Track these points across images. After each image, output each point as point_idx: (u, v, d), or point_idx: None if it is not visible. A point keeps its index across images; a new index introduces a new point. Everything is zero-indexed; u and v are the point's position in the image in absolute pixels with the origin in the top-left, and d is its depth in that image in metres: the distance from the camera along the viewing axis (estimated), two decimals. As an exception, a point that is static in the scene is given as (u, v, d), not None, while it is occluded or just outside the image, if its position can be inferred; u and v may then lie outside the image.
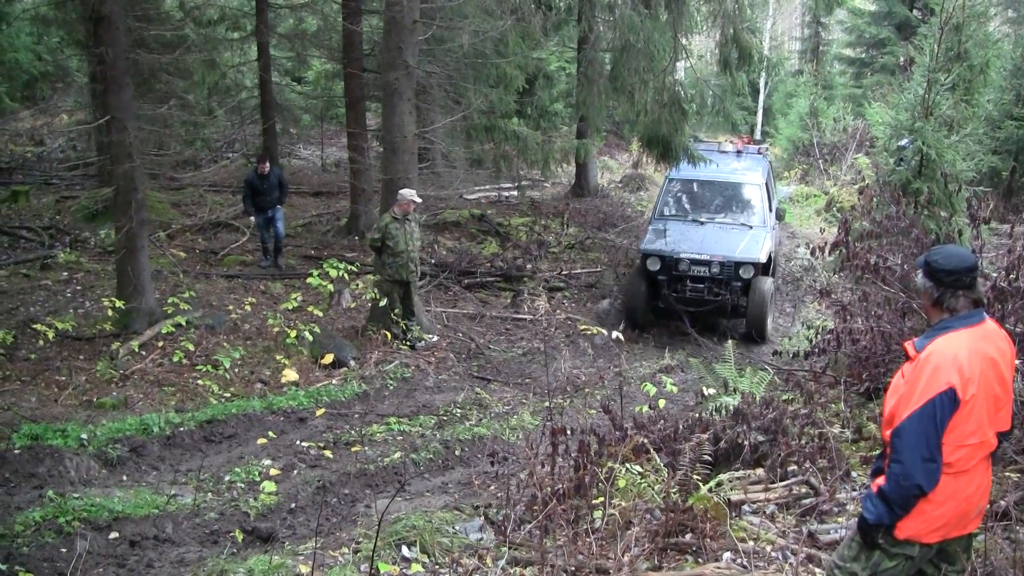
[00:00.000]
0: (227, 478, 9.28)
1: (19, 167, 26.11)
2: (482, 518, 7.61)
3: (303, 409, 11.41)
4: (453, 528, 7.34)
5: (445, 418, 11.52)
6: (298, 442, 10.32)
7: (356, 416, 11.36)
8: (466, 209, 23.09)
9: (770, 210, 16.87)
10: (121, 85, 13.46)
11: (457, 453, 10.15)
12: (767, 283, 15.48)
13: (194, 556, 7.26)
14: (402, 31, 14.56)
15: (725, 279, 15.39)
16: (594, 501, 6.77)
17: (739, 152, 18.79)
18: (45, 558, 7.01)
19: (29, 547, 7.23)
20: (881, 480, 4.39)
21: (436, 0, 15.74)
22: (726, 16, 22.88)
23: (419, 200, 13.76)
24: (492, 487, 8.73)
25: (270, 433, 9.81)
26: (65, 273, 16.82)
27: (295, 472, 9.51)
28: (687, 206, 17.42)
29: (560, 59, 30.56)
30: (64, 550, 7.16)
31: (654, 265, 15.78)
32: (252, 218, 18.37)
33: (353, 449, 10.21)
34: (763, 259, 15.44)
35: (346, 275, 14.01)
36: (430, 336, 14.61)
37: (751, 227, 16.31)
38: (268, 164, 17.94)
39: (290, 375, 12.62)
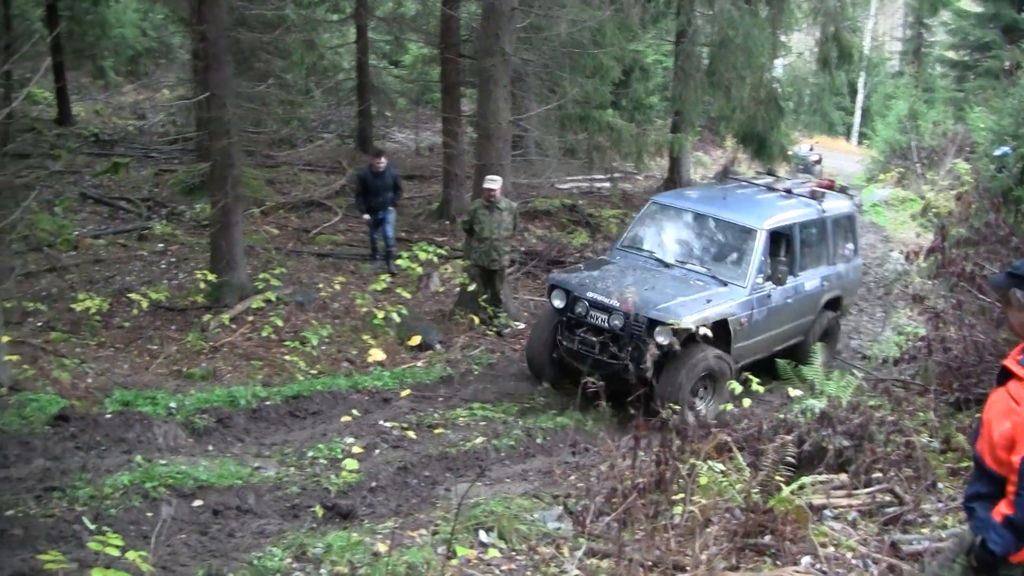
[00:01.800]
0: (310, 454, 9.38)
1: (121, 140, 26.59)
2: (561, 508, 7.61)
3: (388, 389, 11.47)
4: (531, 516, 7.35)
5: (528, 406, 11.54)
6: (381, 422, 10.39)
7: (440, 399, 11.41)
8: (557, 198, 23.03)
9: (782, 269, 12.28)
10: (222, 62, 13.63)
11: (539, 441, 10.15)
12: (699, 360, 11.10)
13: (274, 528, 7.34)
14: (500, 18, 14.56)
15: (628, 338, 11.33)
16: (674, 497, 6.74)
17: (788, 192, 13.92)
18: (131, 521, 7.15)
19: (116, 509, 7.38)
20: (1003, 508, 4.18)
21: (535, -12, 15.74)
22: (827, 14, 22.63)
23: (494, 187, 13.67)
24: (572, 477, 8.72)
25: (354, 411, 9.90)
26: (161, 245, 17.10)
27: (377, 451, 9.58)
28: (660, 240, 13.01)
29: (657, 52, 30.37)
30: (149, 514, 7.30)
31: (558, 300, 11.98)
32: (365, 216, 17.00)
33: (436, 432, 10.26)
34: (688, 325, 10.55)
35: (435, 259, 14.09)
36: (516, 323, 14.61)
37: (725, 283, 11.90)
38: (383, 161, 16.62)
39: (376, 355, 12.72)
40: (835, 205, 13.89)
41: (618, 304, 11.33)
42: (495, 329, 14.14)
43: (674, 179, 26.61)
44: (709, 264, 12.36)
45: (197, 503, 7.65)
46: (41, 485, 7.69)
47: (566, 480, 8.66)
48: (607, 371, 10.93)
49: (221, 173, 13.68)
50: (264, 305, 13.57)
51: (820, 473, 7.58)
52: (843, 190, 14.64)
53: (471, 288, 14.09)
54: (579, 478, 8.54)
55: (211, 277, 13.78)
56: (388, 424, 10.27)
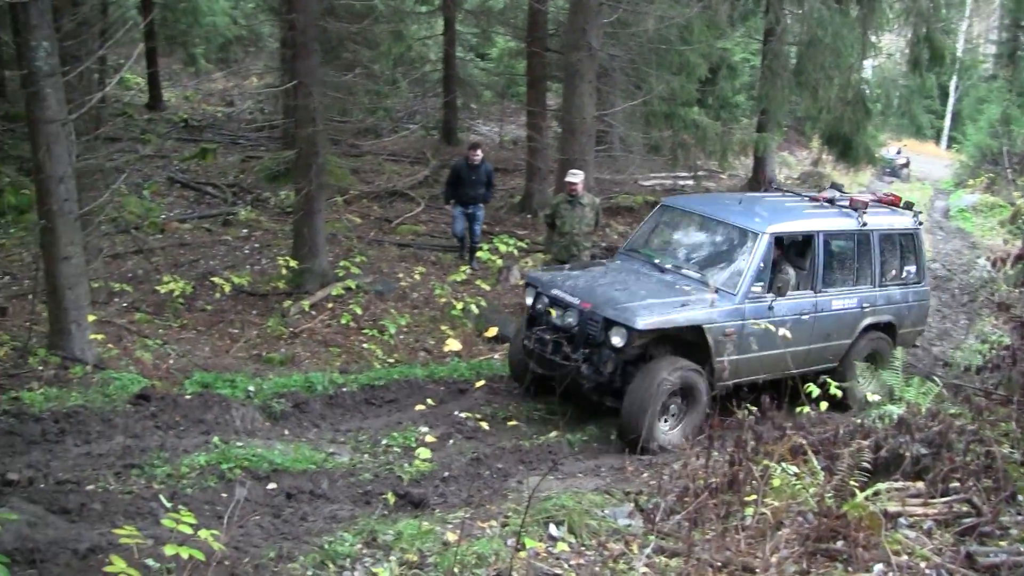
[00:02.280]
0: (384, 441, 9.44)
1: (209, 126, 27.00)
2: (632, 504, 7.57)
3: (463, 380, 11.51)
4: (602, 511, 7.32)
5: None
6: (456, 412, 10.42)
7: (515, 392, 11.43)
8: (640, 195, 22.96)
9: (783, 278, 11.01)
10: (310, 51, 13.77)
11: (612, 437, 10.13)
12: (669, 373, 9.81)
13: (346, 514, 7.39)
14: (587, 12, 14.55)
15: (584, 338, 10.21)
16: (746, 498, 6.68)
17: (831, 201, 12.44)
18: (207, 500, 7.24)
19: (192, 489, 7.49)
20: None
21: (623, -17, 15.68)
22: (919, 14, 22.27)
23: (576, 181, 13.60)
24: (645, 475, 8.68)
25: (429, 401, 9.96)
26: (245, 230, 17.32)
27: (451, 441, 9.62)
28: (661, 244, 11.99)
29: (745, 50, 30.14)
30: (224, 495, 7.39)
31: (529, 297, 11.10)
32: (451, 208, 16.70)
33: (509, 424, 10.28)
34: (642, 326, 9.68)
35: (516, 252, 14.10)
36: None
37: (716, 290, 10.58)
38: (479, 154, 16.14)
39: (453, 345, 12.78)
40: (886, 220, 12.33)
41: (577, 301, 10.31)
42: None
43: (758, 179, 26.38)
44: (704, 270, 11.00)
45: (271, 486, 7.74)
46: (121, 462, 7.83)
47: (638, 477, 8.63)
48: (557, 371, 10.26)
49: (306, 161, 13.83)
50: (344, 293, 13.71)
51: (896, 480, 7.45)
52: (908, 207, 12.72)
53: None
54: (651, 476, 8.50)
55: (293, 264, 13.94)
56: (463, 415, 10.29)
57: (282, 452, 8.50)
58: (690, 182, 25.04)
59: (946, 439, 7.74)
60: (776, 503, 6.67)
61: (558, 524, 6.89)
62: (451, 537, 6.33)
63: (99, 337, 10.76)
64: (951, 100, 40.42)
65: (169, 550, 4.36)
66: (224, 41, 33.31)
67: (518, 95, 29.57)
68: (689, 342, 10.25)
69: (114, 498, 6.99)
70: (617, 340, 9.81)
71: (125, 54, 20.13)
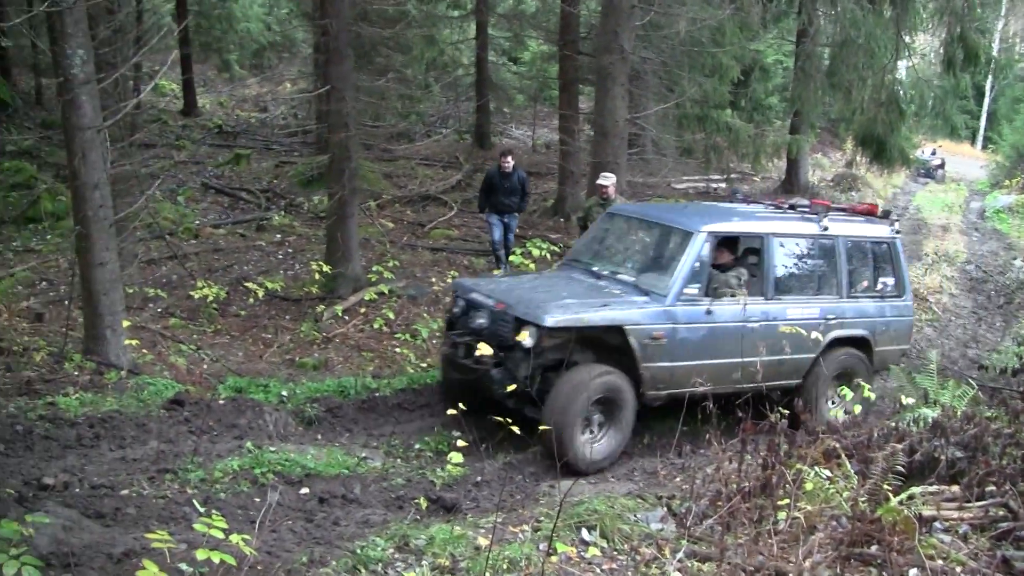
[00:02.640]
0: (416, 446, 9.47)
1: (243, 131, 27.16)
2: (664, 509, 7.54)
3: (496, 384, 11.51)
4: (634, 516, 7.30)
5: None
6: (489, 417, 10.42)
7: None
8: (673, 198, 22.89)
9: (721, 279, 10.33)
10: (343, 57, 13.83)
11: (645, 441, 10.11)
12: (589, 380, 9.08)
13: (379, 519, 7.40)
14: (619, 15, 14.54)
15: (495, 339, 9.32)
16: (779, 502, 6.65)
17: (793, 207, 11.87)
18: (239, 505, 7.27)
19: (225, 493, 7.52)
20: None
21: (654, -14, 15.66)
22: (953, 14, 22.11)
23: (608, 184, 13.56)
24: (677, 479, 8.65)
25: (461, 406, 9.96)
26: (278, 235, 17.41)
27: (483, 446, 9.63)
28: (602, 251, 11.25)
29: (777, 52, 30.02)
30: (257, 499, 7.41)
31: (457, 305, 10.41)
32: (485, 217, 16.30)
33: (541, 428, 10.28)
34: (552, 323, 8.98)
35: (549, 255, 14.09)
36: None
37: (646, 293, 9.82)
38: (511, 160, 15.57)
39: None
40: (856, 228, 11.39)
41: (491, 302, 9.71)
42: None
43: (791, 181, 26.32)
44: (646, 275, 10.23)
45: (304, 491, 7.76)
46: (155, 467, 7.87)
47: (671, 481, 8.60)
48: (469, 376, 9.68)
49: (339, 166, 13.89)
50: (377, 297, 13.75)
51: (931, 484, 7.40)
52: (886, 215, 11.79)
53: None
54: (684, 480, 8.47)
55: (326, 268, 14.01)
56: (495, 419, 10.29)
57: (315, 457, 8.53)
58: (723, 185, 24.97)
59: (982, 442, 7.68)
60: (809, 507, 6.64)
61: (590, 528, 6.87)
62: (483, 542, 6.33)
63: (134, 342, 10.82)
64: (987, 100, 40.13)
65: (201, 554, 4.38)
66: (258, 47, 33.66)
67: (550, 98, 29.64)
68: (615, 347, 9.47)
69: (148, 502, 7.03)
70: (527, 340, 8.94)
71: (160, 61, 20.34)
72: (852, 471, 7.16)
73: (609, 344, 9.49)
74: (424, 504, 7.42)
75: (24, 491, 6.80)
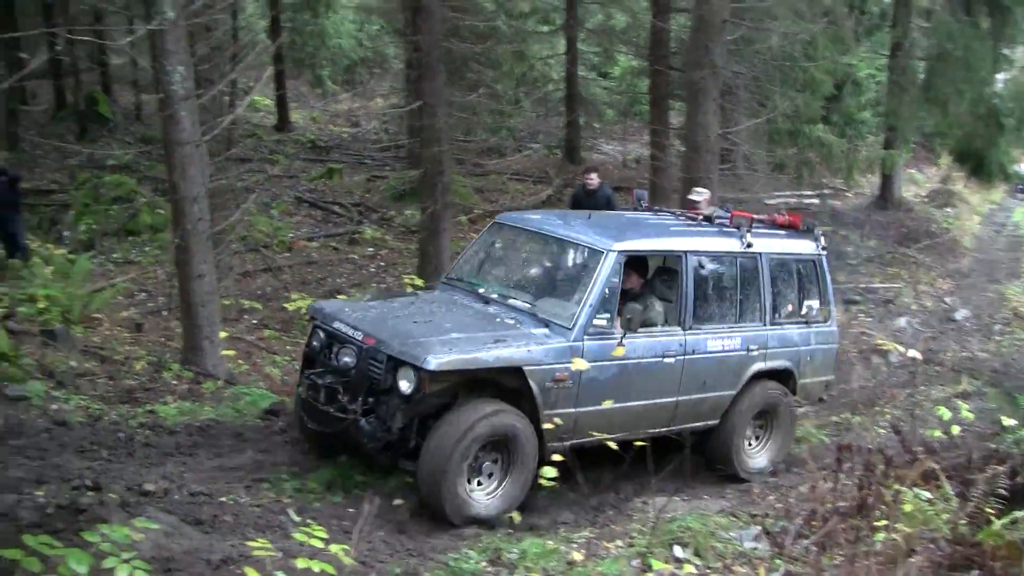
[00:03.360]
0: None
1: (336, 146, 27.50)
2: (759, 527, 7.48)
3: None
4: (728, 534, 7.26)
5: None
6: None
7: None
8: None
9: (634, 308, 8.57)
10: (435, 72, 13.95)
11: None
12: (476, 423, 7.52)
13: (471, 532, 7.43)
14: (710, 30, 14.47)
15: (365, 384, 7.85)
16: (876, 523, 6.56)
17: (710, 219, 10.14)
18: (333, 515, 7.35)
19: (320, 503, 7.63)
20: None
21: (746, 0, 15.56)
22: (1055, 25, 21.73)
23: (699, 200, 13.41)
24: (771, 497, 8.57)
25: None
26: (370, 249, 17.58)
27: (577, 461, 9.61)
28: (490, 270, 9.55)
29: (870, 66, 29.67)
30: (351, 510, 7.50)
31: (316, 337, 8.55)
32: None
33: (636, 443, 10.22)
34: (436, 367, 7.28)
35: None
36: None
37: (547, 323, 8.21)
38: (595, 177, 14.69)
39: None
40: (780, 244, 9.96)
41: (359, 335, 7.95)
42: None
43: (885, 197, 25.98)
44: (535, 299, 8.69)
45: (397, 501, 7.80)
46: (251, 475, 8.00)
47: (764, 500, 8.53)
48: (333, 428, 7.94)
49: (431, 180, 14.00)
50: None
51: (1034, 507, 7.26)
52: (809, 230, 10.32)
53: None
54: (778, 498, 8.39)
55: (418, 282, 14.09)
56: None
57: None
58: (815, 201, 24.72)
59: (1088, 466, 7.51)
60: (907, 529, 6.54)
61: (683, 546, 6.85)
62: (576, 557, 6.34)
63: (230, 353, 11.02)
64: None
65: (301, 563, 4.44)
66: (350, 63, 34.07)
67: (640, 113, 29.55)
68: (512, 391, 7.92)
69: (245, 511, 7.13)
70: (405, 385, 7.55)
71: (254, 77, 20.62)
72: (952, 493, 7.04)
73: (504, 387, 7.90)
74: (517, 518, 7.43)
75: (126, 496, 6.94)
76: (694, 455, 8.53)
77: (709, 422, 9.35)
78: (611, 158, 29.43)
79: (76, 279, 12.82)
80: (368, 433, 7.69)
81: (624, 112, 30.50)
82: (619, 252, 8.44)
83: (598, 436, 8.18)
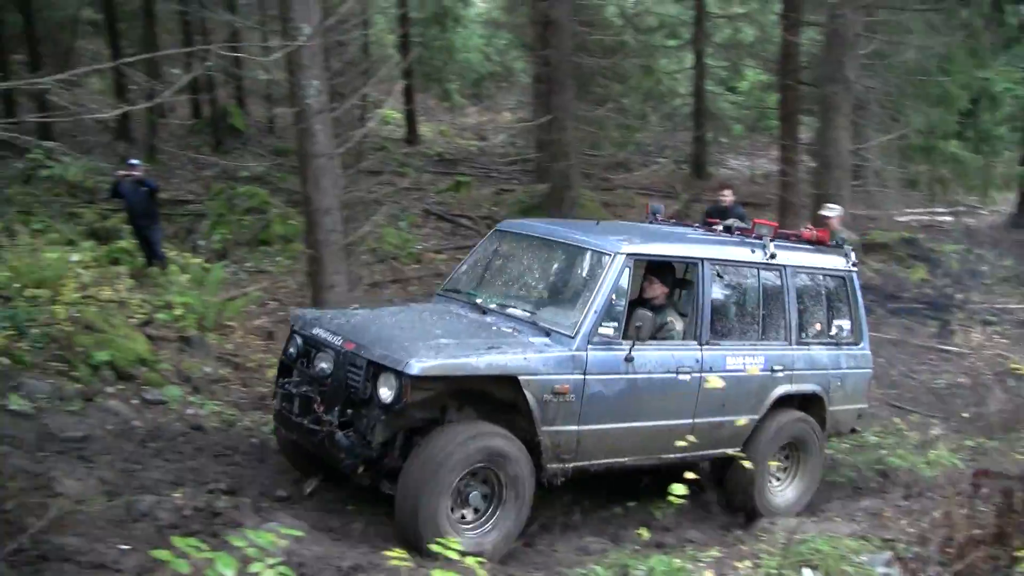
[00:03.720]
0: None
1: (463, 159, 27.73)
2: (891, 553, 7.33)
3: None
4: (859, 558, 7.12)
5: (858, 444, 11.19)
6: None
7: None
8: (896, 232, 22.29)
9: (643, 315, 7.81)
10: (564, 86, 14.03)
11: (870, 481, 9.84)
12: (461, 444, 6.67)
13: (598, 548, 7.42)
14: (843, 44, 14.30)
15: (342, 392, 7.09)
16: (1016, 552, 6.38)
17: (729, 230, 9.48)
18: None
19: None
20: None
21: (879, 13, 15.32)
22: None
23: (830, 216, 13.19)
24: (903, 522, 8.39)
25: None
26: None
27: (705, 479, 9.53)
28: (489, 279, 8.66)
29: (1007, 79, 28.92)
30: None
31: (293, 343, 7.85)
32: None
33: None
34: (420, 371, 6.47)
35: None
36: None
37: (548, 332, 7.42)
38: (729, 194, 14.67)
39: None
40: (807, 258, 9.18)
41: (339, 341, 7.22)
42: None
43: (1022, 214, 25.28)
44: (537, 308, 7.89)
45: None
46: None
47: (896, 524, 8.35)
48: (306, 441, 7.26)
49: (559, 194, 14.07)
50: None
51: None
52: (839, 245, 9.53)
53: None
54: (910, 523, 8.21)
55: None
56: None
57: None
58: (948, 218, 24.18)
59: None
60: (1051, 558, 6.35)
61: (813, 568, 6.74)
62: (707, 575, 6.29)
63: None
64: None
65: (436, 574, 4.48)
66: (477, 77, 34.38)
67: (768, 128, 29.22)
68: (507, 405, 7.19)
69: (374, 520, 7.22)
70: (385, 393, 6.72)
71: (384, 90, 20.90)
72: (1097, 522, 6.82)
73: (498, 400, 7.18)
74: (645, 535, 7.38)
75: (259, 502, 7.09)
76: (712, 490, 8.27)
77: (729, 449, 8.39)
78: (738, 173, 29.19)
79: (211, 287, 13.14)
80: (344, 447, 6.81)
81: (752, 127, 30.21)
82: (627, 255, 7.71)
83: (605, 460, 7.71)
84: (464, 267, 8.98)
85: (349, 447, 6.80)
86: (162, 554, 3.85)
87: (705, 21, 25.22)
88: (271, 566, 3.85)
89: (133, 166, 14.33)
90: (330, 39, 11.00)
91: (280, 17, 11.07)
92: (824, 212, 13.33)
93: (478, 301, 8.16)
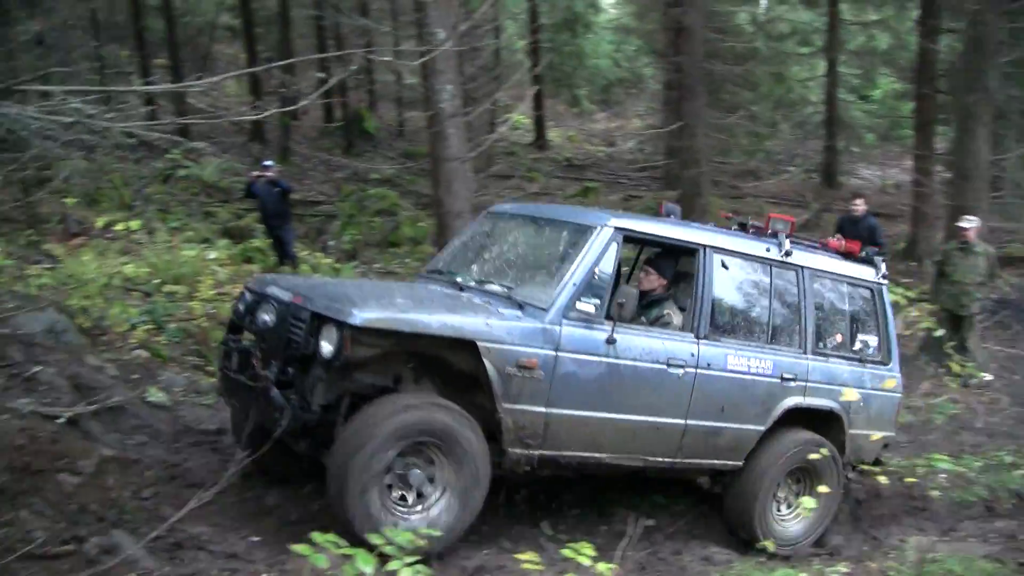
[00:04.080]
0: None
1: (591, 165, 27.74)
2: (1027, 577, 7.12)
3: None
4: (993, 582, 6.94)
5: (993, 463, 10.88)
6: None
7: (901, 445, 10.99)
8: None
9: (628, 292, 6.85)
10: (695, 93, 13.97)
11: (1004, 503, 9.56)
12: (398, 412, 5.99)
13: (723, 558, 7.35)
14: (984, 52, 13.97)
15: (282, 345, 6.43)
16: None
17: (744, 226, 8.50)
18: (586, 532, 7.39)
19: (573, 520, 7.68)
20: None
21: (1023, 20, 14.95)
22: None
23: (968, 227, 12.88)
24: (1040, 543, 8.15)
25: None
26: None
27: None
28: (472, 258, 7.90)
29: None
30: (604, 527, 7.54)
31: (243, 299, 7.25)
32: None
33: (907, 480, 9.88)
34: (362, 322, 5.84)
35: (901, 300, 13.57)
36: (984, 375, 13.76)
37: (521, 305, 6.67)
38: (861, 204, 14.23)
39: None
40: (830, 264, 8.27)
41: (288, 296, 6.58)
42: (960, 379, 13.39)
43: None
44: (516, 284, 7.11)
45: (649, 522, 7.78)
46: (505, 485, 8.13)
47: (1033, 546, 8.11)
48: (242, 401, 6.70)
49: (689, 201, 13.99)
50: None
51: None
52: (869, 258, 8.51)
53: (937, 334, 13.47)
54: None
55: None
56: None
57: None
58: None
59: None
60: None
61: (946, 588, 6.59)
62: (833, 589, 6.20)
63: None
64: None
65: (568, 581, 4.49)
66: (606, 83, 34.36)
67: (902, 137, 28.67)
68: (469, 378, 6.47)
69: (499, 521, 7.25)
70: (326, 348, 6.06)
71: (515, 96, 21.01)
72: None
73: (459, 371, 6.49)
74: (771, 547, 7.29)
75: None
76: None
77: (728, 462, 7.59)
78: (870, 183, 28.67)
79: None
80: (279, 406, 6.04)
81: (884, 136, 29.66)
82: (615, 229, 6.98)
83: (578, 453, 6.88)
84: (448, 249, 8.26)
85: (285, 406, 6.03)
86: (301, 548, 3.92)
87: (838, 28, 24.84)
88: (408, 565, 3.88)
89: (267, 167, 14.64)
90: (464, 44, 11.09)
91: (415, 22, 11.23)
92: (961, 224, 13.02)
93: (458, 280, 7.40)
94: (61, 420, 5.13)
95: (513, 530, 7.17)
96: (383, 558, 3.98)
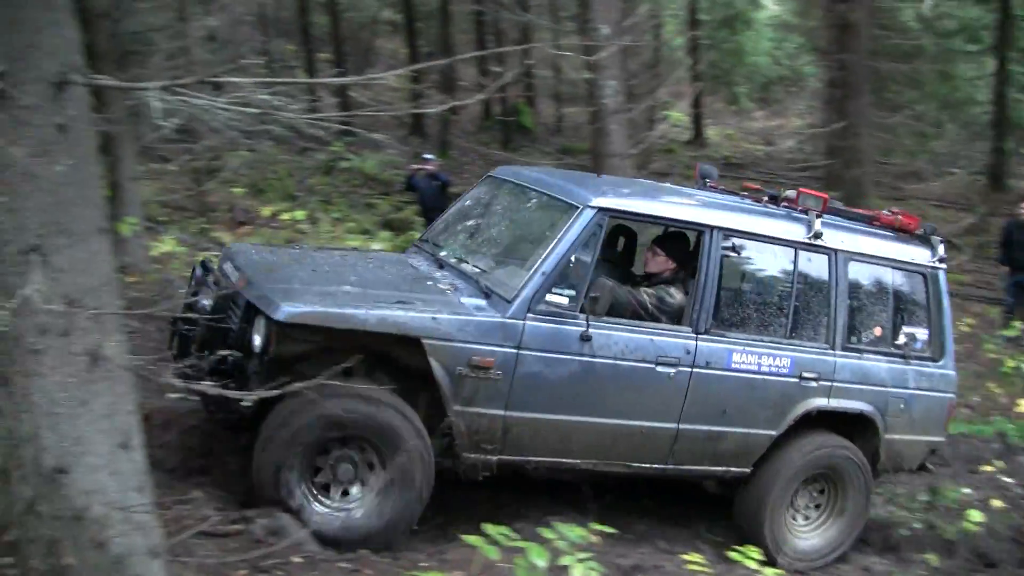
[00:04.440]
0: (922, 497, 9.08)
1: (750, 163, 27.44)
2: None
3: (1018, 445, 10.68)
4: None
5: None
6: (999, 476, 9.81)
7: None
8: None
9: (604, 284, 6.19)
10: (860, 91, 13.70)
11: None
12: (315, 406, 5.38)
13: (881, 569, 7.23)
14: None
15: (215, 333, 6.01)
16: None
17: (774, 199, 7.63)
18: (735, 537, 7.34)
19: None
20: None
21: None
22: None
23: None
24: None
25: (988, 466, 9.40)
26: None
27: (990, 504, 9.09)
28: (465, 231, 7.43)
29: None
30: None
31: (194, 274, 6.92)
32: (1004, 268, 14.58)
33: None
34: (285, 316, 5.35)
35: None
36: None
37: (488, 294, 6.10)
38: None
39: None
40: (872, 244, 7.25)
41: (235, 277, 6.09)
42: None
43: None
44: (494, 264, 6.58)
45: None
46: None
47: None
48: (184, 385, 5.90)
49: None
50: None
51: None
52: (926, 236, 7.52)
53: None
54: None
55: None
56: (1008, 479, 9.65)
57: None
58: None
59: None
60: None
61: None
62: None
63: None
64: None
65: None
66: (765, 81, 33.95)
67: (1073, 140, 27.73)
68: (423, 376, 5.86)
69: (660, 522, 7.24)
70: (256, 341, 5.67)
71: (674, 92, 20.90)
72: None
73: (414, 370, 5.89)
74: (934, 560, 7.09)
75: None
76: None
77: (732, 469, 6.90)
78: (1040, 187, 27.77)
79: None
80: (214, 398, 5.20)
81: (1051, 138, 28.67)
82: (598, 210, 6.22)
83: (545, 458, 6.32)
84: (446, 216, 7.71)
85: (219, 398, 5.02)
86: (473, 540, 3.95)
87: (1010, 24, 24.04)
88: (581, 560, 3.90)
89: (427, 160, 14.84)
90: (626, 41, 11.08)
91: (577, 18, 11.26)
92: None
93: (441, 254, 6.90)
94: (247, 403, 4.91)
95: (668, 531, 7.14)
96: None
